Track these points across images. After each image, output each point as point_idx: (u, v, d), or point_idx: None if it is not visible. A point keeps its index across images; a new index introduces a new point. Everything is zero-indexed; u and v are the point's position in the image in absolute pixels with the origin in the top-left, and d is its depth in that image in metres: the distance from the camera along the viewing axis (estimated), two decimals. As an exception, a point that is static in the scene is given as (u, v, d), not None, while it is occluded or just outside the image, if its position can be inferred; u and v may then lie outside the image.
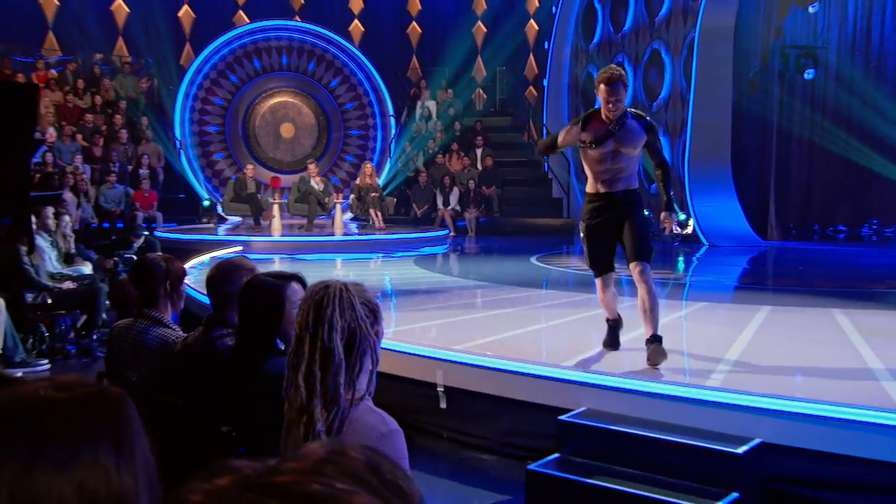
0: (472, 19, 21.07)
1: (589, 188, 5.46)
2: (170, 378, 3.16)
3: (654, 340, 5.20)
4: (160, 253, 6.34)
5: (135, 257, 9.48)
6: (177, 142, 18.25)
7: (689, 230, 15.32)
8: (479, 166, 18.48)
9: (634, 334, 5.78)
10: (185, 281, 3.67)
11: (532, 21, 21.12)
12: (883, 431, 4.21)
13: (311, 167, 16.38)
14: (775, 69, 16.22)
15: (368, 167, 17.10)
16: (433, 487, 4.87)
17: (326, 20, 19.95)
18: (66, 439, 0.91)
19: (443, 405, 5.63)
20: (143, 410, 2.87)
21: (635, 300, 5.43)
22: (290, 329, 2.51)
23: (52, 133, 15.06)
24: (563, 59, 19.43)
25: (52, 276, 8.42)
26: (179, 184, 17.84)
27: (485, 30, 21.17)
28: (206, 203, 17.64)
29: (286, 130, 19.26)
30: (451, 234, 16.72)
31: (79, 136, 15.74)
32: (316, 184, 15.89)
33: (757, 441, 4.41)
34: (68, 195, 13.07)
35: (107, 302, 8.32)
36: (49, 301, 8.20)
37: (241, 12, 19.98)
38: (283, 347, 2.82)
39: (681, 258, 13.71)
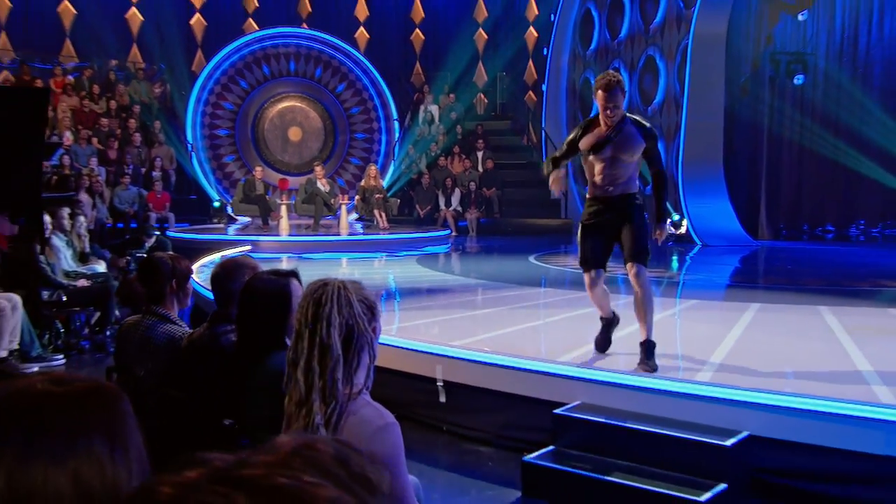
0: (473, 26, 21.07)
1: (589, 192, 5.35)
2: (176, 373, 3.16)
3: (648, 347, 5.11)
4: (170, 252, 6.35)
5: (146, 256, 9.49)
6: (188, 145, 18.25)
7: (683, 230, 15.29)
8: (480, 168, 18.47)
9: (629, 330, 5.76)
10: (192, 279, 3.66)
11: (531, 28, 21.11)
12: (865, 424, 4.21)
13: (318, 169, 16.39)
14: (766, 75, 16.20)
15: (373, 169, 17.11)
16: (432, 479, 4.87)
17: (333, 27, 19.95)
18: (62, 432, 0.91)
19: (442, 399, 5.63)
20: (150, 404, 2.87)
21: (630, 297, 5.41)
22: None
23: (68, 136, 15.10)
24: (561, 64, 19.41)
25: (66, 275, 8.44)
26: (191, 185, 17.85)
27: (485, 36, 21.16)
28: (217, 204, 17.63)
29: (294, 134, 19.27)
30: (453, 234, 16.72)
31: (94, 140, 15.76)
32: (322, 185, 15.89)
33: (744, 434, 4.41)
34: (84, 196, 13.09)
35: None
36: (64, 298, 8.21)
37: (250, 20, 19.99)
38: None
39: (674, 257, 13.69)
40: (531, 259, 12.49)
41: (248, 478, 0.66)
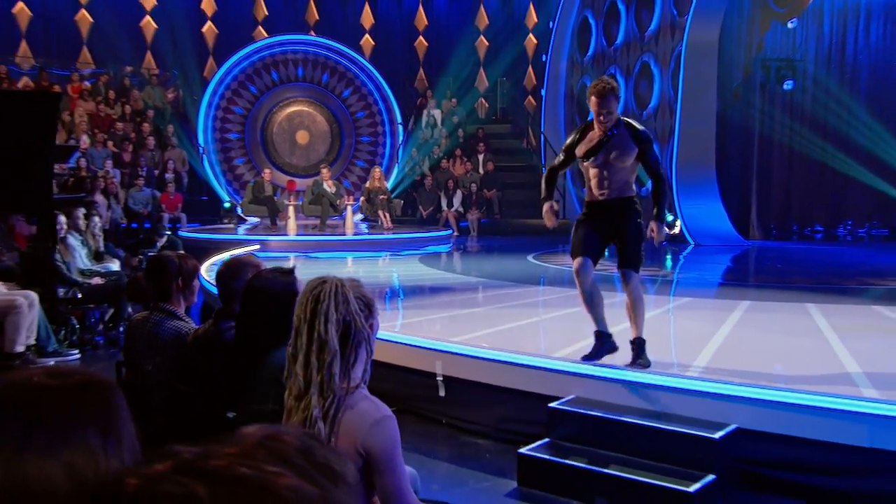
0: (474, 33, 21.06)
1: (586, 196, 5.19)
2: (182, 367, 3.16)
3: (639, 344, 5.03)
4: (180, 251, 6.35)
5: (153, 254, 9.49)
6: (200, 148, 18.25)
7: (677, 230, 15.30)
8: (481, 170, 18.47)
9: (623, 327, 5.75)
10: (202, 276, 3.65)
11: (531, 35, 21.10)
12: (849, 418, 4.20)
13: (324, 171, 16.40)
14: (757, 80, 16.18)
15: (377, 171, 17.13)
16: (432, 470, 4.87)
17: (339, 34, 19.95)
18: (57, 424, 0.91)
19: (442, 393, 5.63)
20: (157, 397, 2.87)
21: (622, 295, 5.33)
22: None
23: (85, 140, 15.12)
24: (559, 70, 19.39)
25: (81, 273, 8.44)
26: (202, 187, 17.84)
27: (487, 43, 21.16)
28: (227, 205, 17.64)
29: (301, 137, 19.27)
30: (455, 233, 16.71)
31: (110, 143, 15.78)
32: (329, 187, 15.90)
33: (733, 427, 4.40)
34: (99, 197, 13.11)
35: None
36: (79, 295, 8.22)
37: (260, 27, 20.00)
38: None
39: (668, 256, 13.68)
40: (530, 258, 12.49)
41: (211, 468, 0.65)
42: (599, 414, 4.66)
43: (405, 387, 5.88)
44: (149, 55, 19.12)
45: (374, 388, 5.78)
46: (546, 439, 4.75)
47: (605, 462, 4.43)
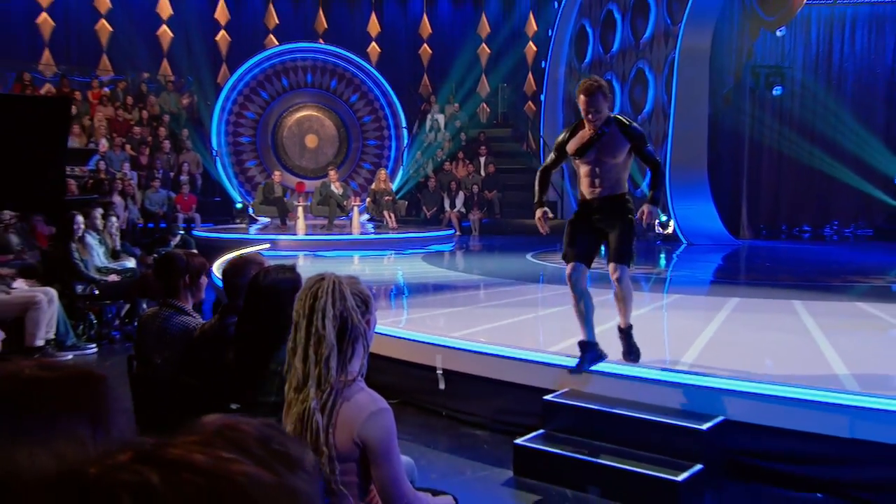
0: (476, 41, 21.04)
1: (579, 195, 5.00)
2: (189, 361, 3.16)
3: (627, 333, 4.92)
4: (192, 250, 6.35)
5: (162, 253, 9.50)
6: (213, 151, 18.26)
7: (670, 230, 15.29)
8: (483, 172, 18.44)
9: (614, 324, 5.74)
10: (206, 274, 3.64)
11: (531, 42, 21.08)
12: (832, 410, 4.19)
13: (332, 173, 16.38)
14: (747, 86, 16.16)
15: (383, 173, 17.12)
16: (432, 460, 4.86)
17: (347, 42, 19.94)
18: (46, 414, 0.90)
19: (441, 386, 5.62)
20: (165, 389, 2.86)
21: (609, 294, 5.13)
22: None
23: (104, 144, 15.14)
24: (558, 76, 19.38)
25: (99, 270, 8.45)
26: (215, 188, 17.85)
27: (488, 50, 21.14)
28: (239, 205, 17.65)
29: (310, 141, 19.26)
30: (457, 233, 16.69)
31: (127, 147, 15.80)
32: (336, 188, 15.88)
33: (720, 418, 4.40)
34: (117, 198, 13.12)
35: None
36: (96, 292, 8.23)
37: (271, 35, 20.01)
38: None
39: (662, 255, 13.65)
40: (529, 257, 12.48)
41: (167, 457, 0.64)
42: (592, 406, 4.66)
43: (407, 380, 5.88)
44: (165, 62, 19.14)
45: (376, 380, 5.79)
46: (541, 430, 4.75)
47: (597, 452, 4.42)
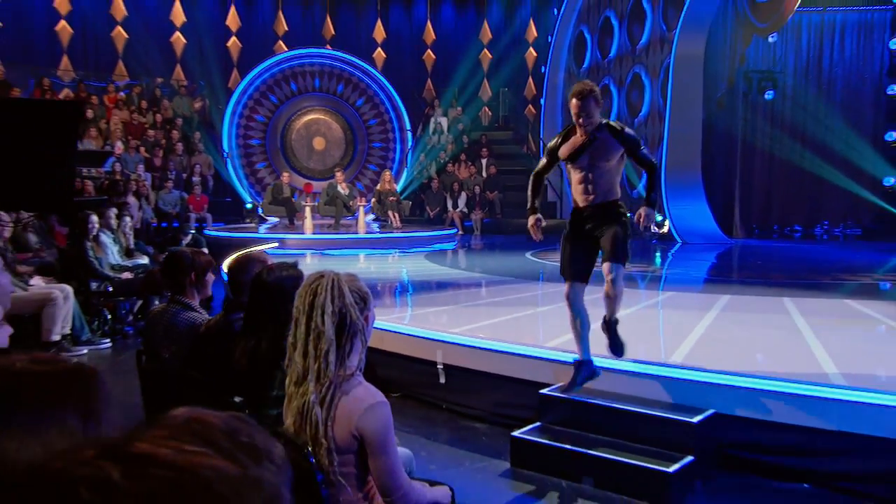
0: (478, 47, 21.03)
1: (573, 201, 4.78)
2: (195, 355, 3.15)
3: (611, 326, 4.71)
4: (201, 248, 6.33)
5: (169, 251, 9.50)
6: (224, 153, 18.27)
7: (665, 230, 15.26)
8: (484, 174, 18.44)
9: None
10: (211, 271, 3.63)
11: (531, 48, 21.05)
12: (819, 403, 4.18)
13: (339, 175, 16.39)
14: (740, 90, 16.11)
15: (388, 175, 17.12)
16: (432, 451, 4.86)
17: (353, 48, 19.95)
18: (37, 407, 0.89)
19: (442, 380, 5.62)
20: (173, 383, 2.85)
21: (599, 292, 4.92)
22: None
23: (119, 146, 15.15)
24: (557, 81, 19.36)
25: (113, 268, 8.46)
26: (226, 189, 17.86)
27: (490, 56, 21.12)
28: (249, 205, 17.66)
29: (318, 143, 19.26)
30: (459, 232, 16.68)
31: (142, 149, 15.82)
32: (342, 189, 15.88)
33: (710, 412, 4.39)
34: (131, 199, 13.13)
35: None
36: (110, 289, 8.24)
37: (280, 42, 20.01)
38: None
39: (657, 254, 13.62)
40: (528, 255, 12.46)
41: (131, 451, 0.63)
42: (586, 399, 4.64)
43: (408, 374, 5.88)
44: (178, 68, 19.16)
45: (380, 375, 5.77)
46: (537, 423, 4.74)
47: (591, 444, 4.41)
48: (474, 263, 12.32)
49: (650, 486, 4.06)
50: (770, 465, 4.28)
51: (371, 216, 16.68)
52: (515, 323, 6.75)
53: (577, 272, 4.61)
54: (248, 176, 18.77)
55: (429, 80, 21.16)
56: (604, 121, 4.62)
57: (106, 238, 8.65)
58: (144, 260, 9.27)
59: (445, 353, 5.63)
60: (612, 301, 4.62)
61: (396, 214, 16.04)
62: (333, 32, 20.49)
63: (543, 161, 4.92)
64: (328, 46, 20.00)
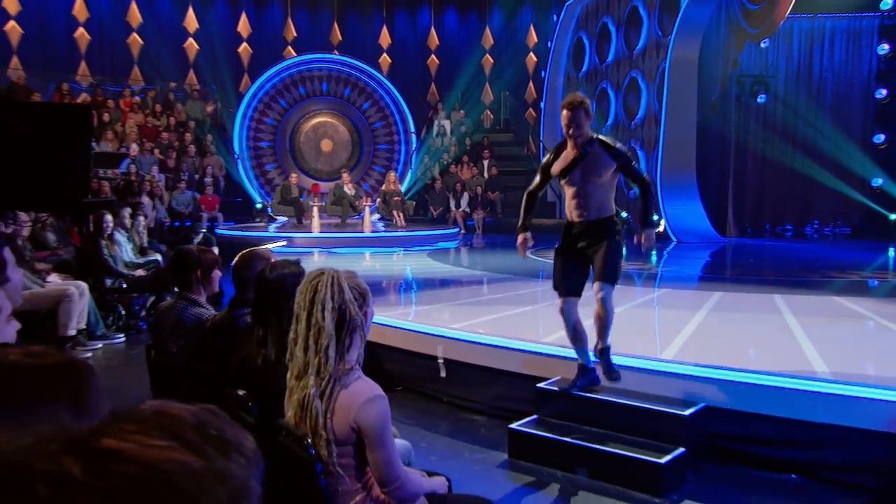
0: (480, 52, 20.99)
1: (566, 215, 4.62)
2: (202, 349, 3.14)
3: (605, 354, 4.53)
4: (209, 246, 6.32)
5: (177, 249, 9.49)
6: (235, 155, 18.27)
7: (660, 229, 15.22)
8: (486, 175, 18.40)
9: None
10: (217, 269, 3.61)
11: (531, 53, 21.01)
12: (806, 396, 4.17)
13: (345, 176, 16.37)
14: (733, 94, 16.05)
15: (392, 175, 17.10)
16: (432, 443, 4.86)
17: (360, 53, 19.92)
18: (28, 399, 0.88)
19: (443, 374, 5.62)
20: (180, 376, 2.84)
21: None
22: None
23: (134, 148, 15.16)
24: (557, 85, 19.32)
25: (126, 265, 8.47)
26: (237, 189, 17.84)
27: (492, 61, 21.08)
28: (259, 205, 17.66)
29: (325, 145, 19.25)
30: (462, 231, 16.64)
31: (156, 151, 15.82)
32: (349, 189, 15.88)
33: (701, 405, 4.38)
34: (145, 199, 13.14)
35: None
36: (124, 286, 8.25)
37: (289, 47, 19.99)
38: None
39: (653, 252, 13.59)
40: (528, 254, 12.39)
41: (94, 445, 0.61)
42: (582, 393, 4.63)
43: (410, 368, 5.87)
44: (191, 73, 19.16)
45: (382, 369, 5.76)
46: (534, 416, 4.74)
47: (587, 436, 4.41)
48: (476, 261, 12.30)
49: (643, 476, 4.05)
50: (759, 457, 4.27)
51: (376, 216, 16.67)
52: (514, 319, 6.73)
53: (569, 288, 4.49)
54: (258, 177, 18.76)
55: (432, 84, 21.13)
56: (595, 135, 4.46)
57: (120, 237, 8.66)
58: (157, 258, 9.27)
59: (446, 348, 5.62)
60: (603, 323, 4.43)
61: (401, 214, 16.02)
62: (341, 38, 20.48)
63: (536, 180, 4.74)
64: (335, 52, 19.98)
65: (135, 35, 18.54)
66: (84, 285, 7.40)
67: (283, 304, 2.59)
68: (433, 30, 21.14)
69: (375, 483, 2.31)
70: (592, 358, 4.67)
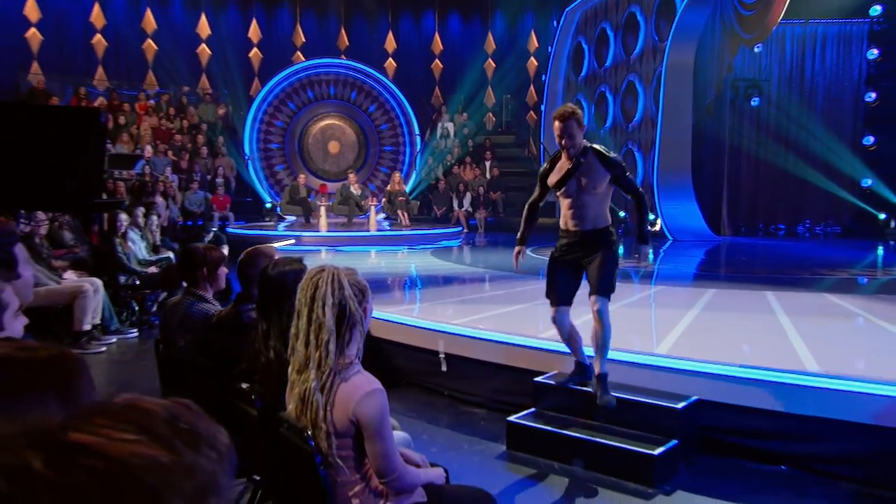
0: (483, 57, 20.96)
1: (560, 223, 4.46)
2: (208, 344, 3.13)
3: (602, 381, 4.30)
4: (222, 245, 6.31)
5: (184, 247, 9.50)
6: (246, 156, 18.29)
7: (657, 228, 15.18)
8: (488, 175, 18.38)
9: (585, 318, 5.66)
10: (223, 266, 3.60)
11: (532, 58, 20.97)
12: (796, 390, 4.15)
13: (352, 176, 16.35)
14: (727, 98, 16.01)
15: (397, 176, 17.09)
16: (433, 435, 4.84)
17: (366, 58, 19.91)
18: (18, 390, 0.87)
19: (444, 368, 5.60)
20: (187, 369, 2.82)
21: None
22: None
23: (149, 150, 15.17)
24: (557, 89, 19.27)
25: (140, 263, 8.47)
26: (247, 190, 17.86)
27: (494, 65, 21.04)
28: (268, 205, 17.67)
29: (333, 147, 19.25)
30: (464, 230, 16.63)
31: (169, 153, 15.83)
32: (355, 190, 15.86)
33: (694, 398, 4.35)
34: (159, 199, 13.14)
35: None
36: (137, 282, 8.25)
37: (298, 52, 19.99)
38: None
39: (650, 250, 13.54)
40: (529, 252, 12.37)
41: (59, 439, 0.59)
42: (578, 387, 4.61)
43: (412, 363, 5.86)
44: (203, 77, 19.17)
45: (385, 364, 5.74)
46: (532, 409, 4.72)
47: (582, 429, 4.39)
48: (478, 259, 12.27)
49: (637, 467, 4.04)
50: (750, 448, 4.25)
51: (382, 215, 16.65)
52: (514, 315, 6.71)
53: (561, 296, 4.36)
54: (267, 177, 18.77)
55: (436, 88, 21.10)
56: (590, 145, 4.32)
57: (134, 235, 8.66)
58: (170, 255, 9.27)
59: (447, 343, 5.61)
60: (600, 341, 4.27)
61: (405, 213, 16.01)
62: (348, 43, 20.46)
63: (536, 190, 4.59)
64: (343, 57, 19.97)
65: (150, 41, 18.58)
66: (99, 282, 7.40)
67: (285, 300, 2.58)
68: (437, 35, 21.11)
69: (374, 474, 2.29)
70: (589, 353, 4.63)
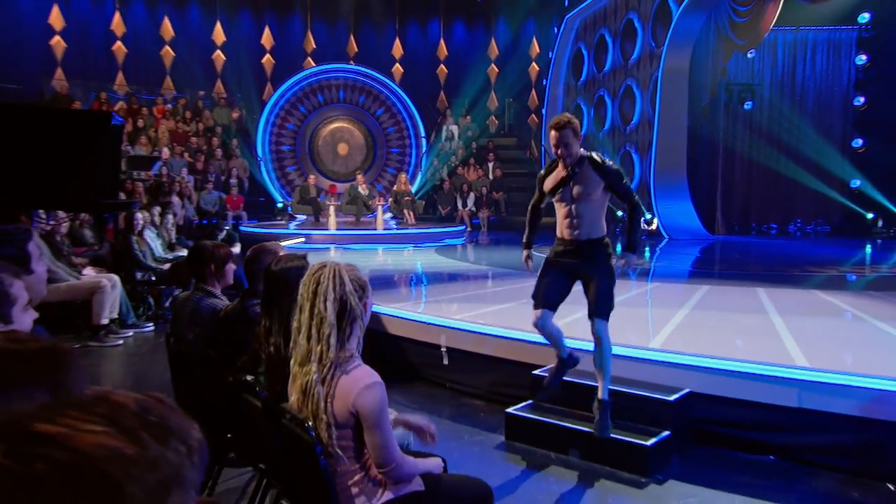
0: (486, 62, 20.94)
1: (556, 230, 4.25)
2: (215, 338, 3.12)
3: (602, 408, 4.09)
4: (234, 243, 6.30)
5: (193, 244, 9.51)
6: (258, 158, 18.31)
7: (653, 227, 15.14)
8: (491, 176, 18.36)
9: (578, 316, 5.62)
10: (231, 262, 3.58)
11: (534, 63, 20.94)
12: (784, 383, 4.12)
13: (359, 177, 16.35)
14: (721, 101, 15.95)
15: (403, 177, 17.08)
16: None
17: (374, 64, 19.92)
18: (9, 380, 0.85)
19: (445, 361, 5.58)
20: (195, 362, 2.80)
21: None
22: None
23: (166, 152, 15.20)
24: (557, 93, 19.24)
25: (156, 260, 8.48)
26: (260, 190, 17.90)
27: (497, 70, 21.02)
28: (280, 205, 17.69)
29: (342, 149, 19.26)
30: (468, 229, 16.61)
31: (186, 154, 15.85)
32: (363, 190, 15.86)
33: (686, 390, 4.33)
34: (175, 199, 13.15)
35: None
36: (153, 278, 8.25)
37: (309, 58, 19.99)
38: None
39: (646, 249, 13.51)
40: (535, 252, 12.33)
41: (26, 429, 0.57)
42: (574, 380, 4.59)
43: (415, 356, 5.84)
44: (218, 82, 19.22)
45: (387, 357, 5.71)
46: (529, 401, 4.69)
47: (578, 420, 4.36)
48: (481, 257, 12.25)
49: (631, 457, 4.01)
50: (740, 439, 4.22)
51: (388, 214, 16.63)
52: (514, 310, 6.68)
53: (546, 301, 4.16)
54: (279, 178, 18.79)
55: (442, 92, 21.08)
56: (587, 154, 4.12)
57: (150, 233, 8.67)
58: (185, 253, 9.27)
59: (449, 337, 5.59)
60: (602, 367, 4.09)
61: (411, 213, 16.01)
62: (356, 49, 20.46)
63: (536, 194, 4.41)
64: (351, 62, 19.97)
65: (167, 48, 18.62)
66: (116, 278, 7.41)
67: (286, 296, 2.56)
68: (442, 41, 21.08)
69: (373, 464, 2.28)
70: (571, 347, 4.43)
